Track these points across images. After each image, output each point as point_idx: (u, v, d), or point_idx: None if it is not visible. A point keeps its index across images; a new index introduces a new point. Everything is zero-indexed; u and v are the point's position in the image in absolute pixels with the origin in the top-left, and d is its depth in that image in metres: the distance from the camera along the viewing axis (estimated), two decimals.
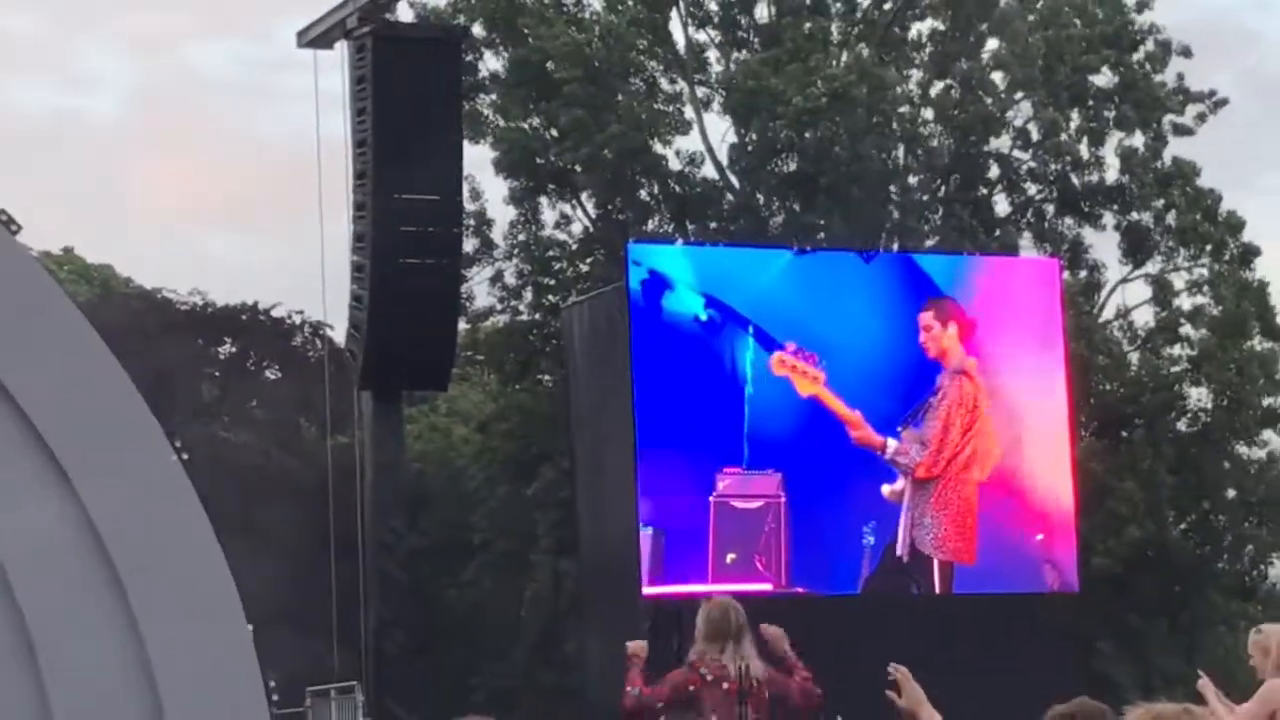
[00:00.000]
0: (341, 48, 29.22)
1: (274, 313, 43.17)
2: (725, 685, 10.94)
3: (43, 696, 21.31)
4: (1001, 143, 40.60)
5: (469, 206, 37.24)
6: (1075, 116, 39.97)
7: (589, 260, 41.01)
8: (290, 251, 62.00)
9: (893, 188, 40.18)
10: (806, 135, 38.47)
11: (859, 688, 12.68)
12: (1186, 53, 39.93)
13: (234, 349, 43.88)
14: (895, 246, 38.49)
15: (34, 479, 22.59)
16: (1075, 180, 40.19)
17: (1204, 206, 39.61)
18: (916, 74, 40.94)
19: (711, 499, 27.18)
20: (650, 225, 40.34)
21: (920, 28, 41.63)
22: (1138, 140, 40.02)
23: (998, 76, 39.84)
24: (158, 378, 25.70)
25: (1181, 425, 39.56)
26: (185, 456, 24.70)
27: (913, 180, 40.42)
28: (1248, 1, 68.53)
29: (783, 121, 38.29)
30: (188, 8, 70.51)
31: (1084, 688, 7.88)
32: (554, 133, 39.61)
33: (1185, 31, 40.11)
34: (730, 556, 27.22)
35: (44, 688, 21.58)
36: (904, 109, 40.06)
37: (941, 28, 41.15)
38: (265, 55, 69.98)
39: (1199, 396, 39.59)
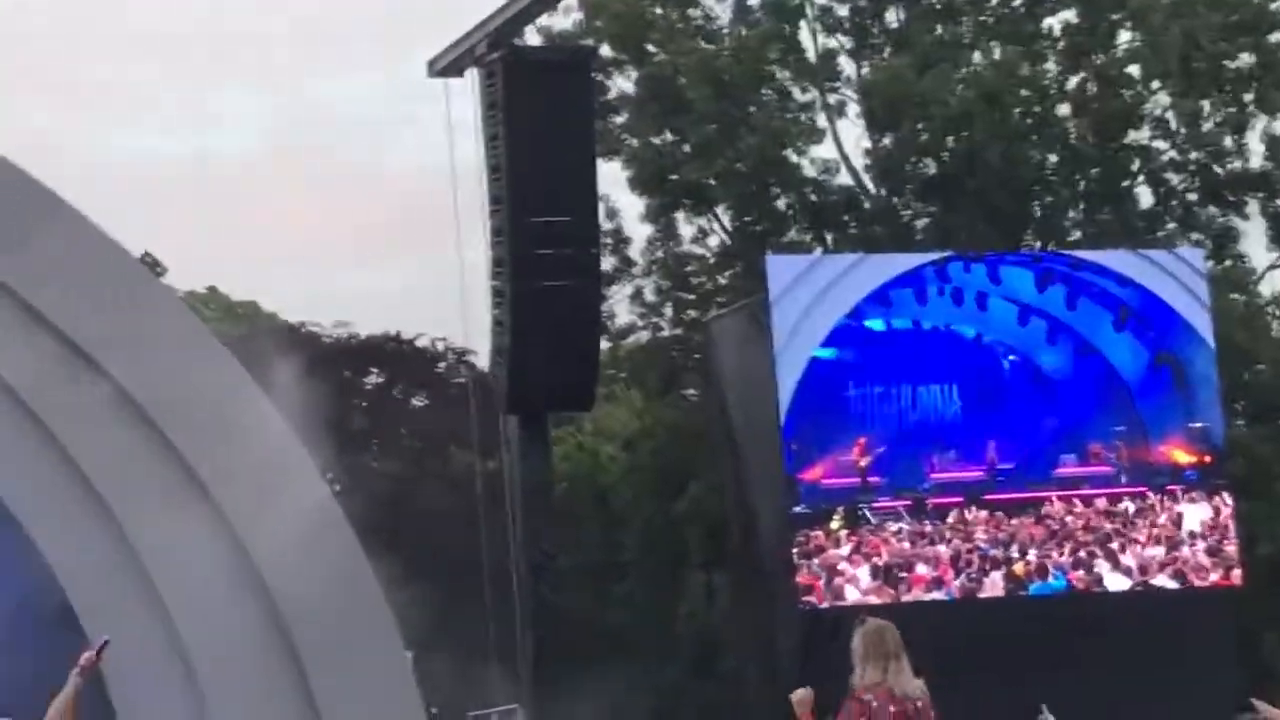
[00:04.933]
0: (471, 75, 29.34)
1: (418, 342, 43.43)
2: (892, 709, 10.56)
3: None
4: (1140, 134, 40.13)
5: (605, 225, 37.27)
6: (1215, 104, 39.39)
7: (728, 273, 40.94)
8: (430, 280, 62.24)
9: (1035, 186, 39.82)
10: (949, 139, 38.27)
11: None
12: None
13: (380, 379, 44.17)
14: (1037, 246, 38.18)
15: (194, 518, 22.84)
16: (1218, 169, 39.62)
17: None
18: (1051, 69, 40.53)
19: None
20: (788, 235, 40.20)
21: (1052, 21, 41.21)
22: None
23: (1133, 68, 39.37)
24: (307, 411, 25.86)
25: None
26: (338, 487, 24.87)
27: (1054, 177, 40.02)
28: None
29: (933, 124, 38.11)
30: (316, 43, 71.11)
31: (1248, 684, 7.67)
32: (687, 148, 39.59)
33: None
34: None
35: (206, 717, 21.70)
36: (1037, 108, 39.68)
37: (1074, 20, 40.69)
38: (395, 87, 70.34)
39: None
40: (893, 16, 41.00)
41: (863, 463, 28.73)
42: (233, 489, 21.86)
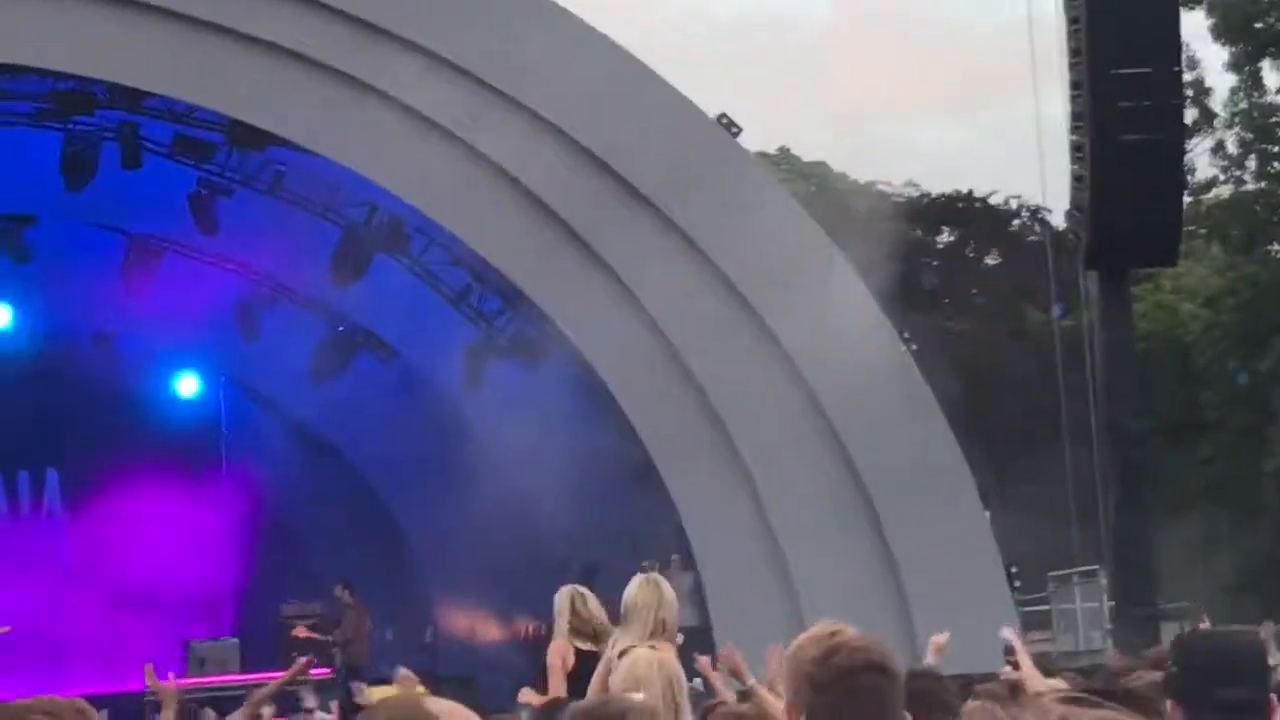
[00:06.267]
0: None
1: (990, 200, 43.06)
2: None
3: (791, 594, 21.71)
4: None
5: (1186, 76, 36.14)
6: None
7: None
8: (1001, 136, 61.48)
9: None
10: None
11: None
12: None
13: (952, 238, 44.00)
14: None
15: (767, 369, 23.07)
16: None
17: None
18: None
19: None
20: None
21: None
22: None
23: None
24: (879, 270, 25.92)
25: None
26: (913, 346, 24.80)
27: None
28: None
29: None
30: None
31: None
32: None
33: None
34: None
35: (791, 580, 22.01)
36: None
37: None
38: None
39: None
40: None
41: None
42: (808, 343, 22.07)
